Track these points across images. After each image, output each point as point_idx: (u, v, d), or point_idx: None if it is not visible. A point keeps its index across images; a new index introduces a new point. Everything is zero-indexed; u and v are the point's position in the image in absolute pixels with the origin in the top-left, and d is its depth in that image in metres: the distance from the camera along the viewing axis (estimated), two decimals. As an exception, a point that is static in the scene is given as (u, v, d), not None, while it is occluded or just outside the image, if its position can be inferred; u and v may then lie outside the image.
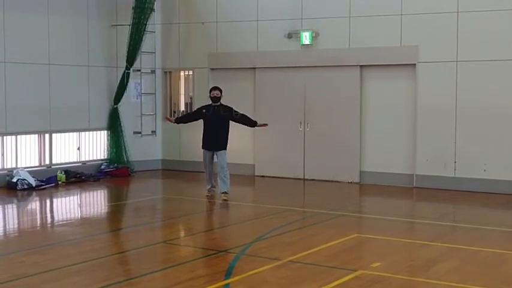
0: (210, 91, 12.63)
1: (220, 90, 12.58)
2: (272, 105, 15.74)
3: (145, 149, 16.94)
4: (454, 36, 13.69)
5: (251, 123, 12.87)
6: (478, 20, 13.48)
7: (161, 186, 15.64)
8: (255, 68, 15.99)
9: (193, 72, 16.95)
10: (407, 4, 14.17)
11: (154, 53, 17.00)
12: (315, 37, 15.15)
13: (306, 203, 13.41)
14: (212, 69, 16.55)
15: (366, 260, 8.36)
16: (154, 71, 17.13)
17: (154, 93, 17.17)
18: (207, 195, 12.76)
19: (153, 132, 17.22)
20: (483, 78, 13.48)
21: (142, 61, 16.59)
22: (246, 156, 16.10)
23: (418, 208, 12.94)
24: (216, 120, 12.41)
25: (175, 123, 13.56)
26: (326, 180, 15.10)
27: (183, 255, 8.66)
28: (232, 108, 12.61)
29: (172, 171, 16.82)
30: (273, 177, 15.68)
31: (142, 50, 16.25)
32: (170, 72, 17.40)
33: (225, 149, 12.49)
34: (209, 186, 12.86)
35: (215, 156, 12.56)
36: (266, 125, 12.93)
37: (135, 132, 16.77)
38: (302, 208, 12.26)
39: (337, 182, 15.01)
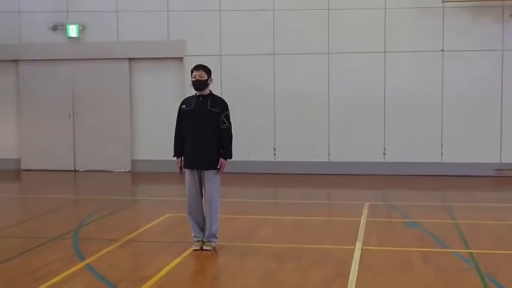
0: (192, 72, 7.88)
1: (207, 71, 7.88)
2: (39, 98, 15.60)
3: None
4: (218, 32, 15.00)
5: (226, 148, 7.96)
6: (238, 18, 14.94)
7: None
8: (17, 61, 15.66)
9: None
10: (174, 1, 15.11)
11: None
12: (82, 30, 15.36)
13: (96, 191, 13.34)
14: (-31, 62, 15.86)
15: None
16: None
17: None
18: (194, 249, 7.95)
19: None
20: (244, 69, 14.99)
21: None
22: (8, 150, 15.76)
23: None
24: (200, 119, 7.84)
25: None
26: (98, 171, 15.43)
27: (18, 246, 8.45)
28: (227, 104, 7.99)
29: None
30: (42, 170, 15.55)
31: None
32: None
33: (215, 167, 7.86)
34: (198, 234, 8.00)
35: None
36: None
37: None
38: (98, 196, 12.44)
39: (109, 171, 15.44)
